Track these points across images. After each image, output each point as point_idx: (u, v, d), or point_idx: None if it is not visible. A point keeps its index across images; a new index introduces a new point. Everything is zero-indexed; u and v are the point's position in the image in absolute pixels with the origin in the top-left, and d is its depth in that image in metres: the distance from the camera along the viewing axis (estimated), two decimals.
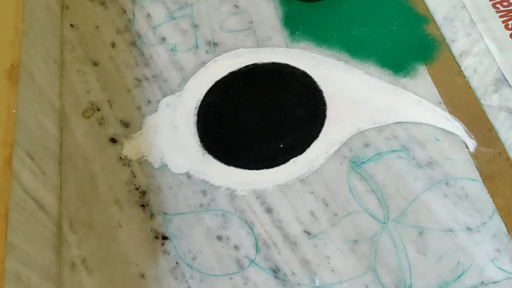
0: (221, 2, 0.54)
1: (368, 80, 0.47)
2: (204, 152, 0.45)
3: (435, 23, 0.50)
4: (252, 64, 0.50)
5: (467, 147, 0.43)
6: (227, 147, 0.45)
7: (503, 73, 0.46)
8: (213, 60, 0.50)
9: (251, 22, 0.52)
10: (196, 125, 0.47)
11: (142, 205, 0.43)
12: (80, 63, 0.51)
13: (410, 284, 0.38)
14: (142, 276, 0.40)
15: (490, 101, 0.45)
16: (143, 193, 0.43)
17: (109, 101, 0.49)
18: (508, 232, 0.39)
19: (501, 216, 0.40)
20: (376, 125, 0.45)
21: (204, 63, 0.50)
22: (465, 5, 0.51)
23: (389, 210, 0.41)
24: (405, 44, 0.49)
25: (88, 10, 0.55)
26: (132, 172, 0.44)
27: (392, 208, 0.41)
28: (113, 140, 0.46)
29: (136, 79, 0.50)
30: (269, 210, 0.42)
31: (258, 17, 0.53)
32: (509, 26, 0.48)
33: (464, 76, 0.47)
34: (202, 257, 0.40)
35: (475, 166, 0.42)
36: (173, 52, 0.51)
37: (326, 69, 0.49)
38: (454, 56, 0.48)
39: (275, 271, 0.39)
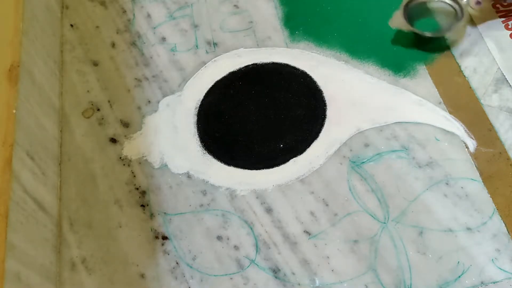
0: (221, 2, 0.54)
1: (368, 80, 0.47)
2: (204, 152, 0.45)
3: None
4: (252, 64, 0.50)
5: (467, 147, 0.43)
6: (227, 147, 0.45)
7: (503, 73, 0.46)
8: (213, 60, 0.50)
9: (251, 22, 0.52)
10: (196, 125, 0.47)
11: (142, 205, 0.43)
12: (80, 63, 0.51)
13: (410, 284, 0.38)
14: (142, 276, 0.40)
15: (490, 101, 0.45)
16: (143, 193, 0.43)
17: (109, 101, 0.49)
18: (508, 232, 0.39)
19: (501, 216, 0.40)
20: (376, 125, 0.45)
21: (204, 63, 0.50)
22: None
23: (389, 210, 0.41)
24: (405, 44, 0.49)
25: (88, 10, 0.55)
26: (132, 172, 0.44)
27: (392, 208, 0.41)
28: (113, 140, 0.46)
29: (136, 79, 0.50)
30: (269, 210, 0.42)
31: (258, 17, 0.53)
32: (509, 26, 0.48)
33: (464, 76, 0.47)
34: (202, 257, 0.40)
35: (475, 166, 0.42)
36: (173, 52, 0.51)
37: (326, 69, 0.49)
38: (454, 56, 0.48)
39: (275, 271, 0.39)
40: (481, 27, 0.49)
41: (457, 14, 0.46)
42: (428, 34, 0.46)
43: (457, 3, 0.46)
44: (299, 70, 0.49)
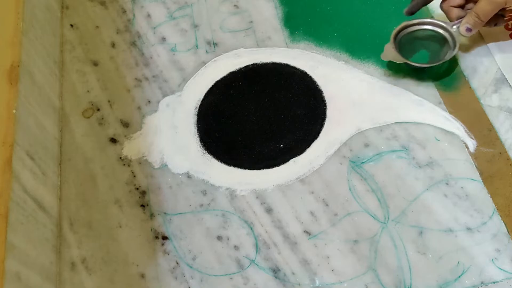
0: (221, 2, 0.54)
1: (368, 80, 0.47)
2: (204, 152, 0.45)
3: None
4: (252, 64, 0.50)
5: (467, 147, 0.43)
6: (227, 147, 0.45)
7: (503, 73, 0.46)
8: (213, 60, 0.50)
9: (251, 22, 0.52)
10: (196, 125, 0.47)
11: (142, 205, 0.43)
12: (80, 63, 0.51)
13: (410, 284, 0.38)
14: (142, 276, 0.40)
15: (490, 101, 0.45)
16: (143, 193, 0.43)
17: (109, 101, 0.49)
18: (508, 232, 0.39)
19: (501, 216, 0.40)
20: (376, 125, 0.45)
21: (204, 63, 0.50)
22: None
23: (389, 210, 0.41)
24: None
25: (88, 10, 0.55)
26: (132, 172, 0.44)
27: (392, 208, 0.41)
28: (113, 140, 0.46)
29: (136, 79, 0.50)
30: (269, 210, 0.42)
31: (258, 17, 0.53)
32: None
33: (464, 76, 0.47)
34: (202, 257, 0.40)
35: (475, 166, 0.42)
36: (173, 52, 0.51)
37: (326, 69, 0.49)
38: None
39: (275, 271, 0.39)
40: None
41: (448, 41, 0.46)
42: (420, 65, 0.46)
43: (447, 31, 0.46)
44: (299, 70, 0.49)
